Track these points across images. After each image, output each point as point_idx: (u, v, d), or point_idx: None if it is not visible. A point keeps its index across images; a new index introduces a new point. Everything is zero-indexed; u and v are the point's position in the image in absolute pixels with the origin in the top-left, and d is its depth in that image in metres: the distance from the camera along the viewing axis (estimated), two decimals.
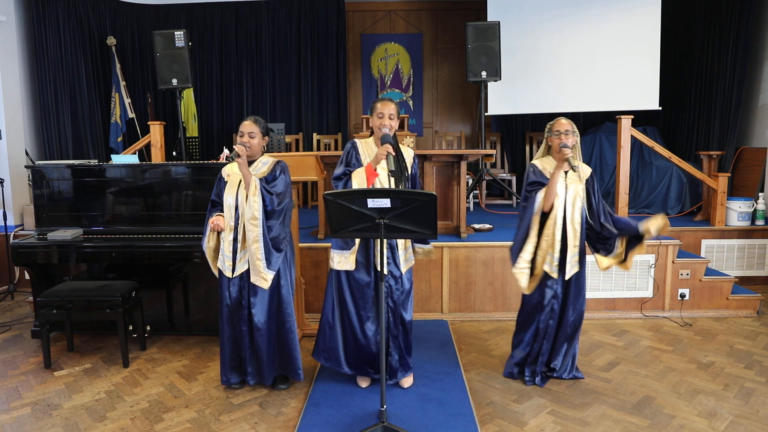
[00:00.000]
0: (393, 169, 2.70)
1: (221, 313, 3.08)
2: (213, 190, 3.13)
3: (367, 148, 3.04)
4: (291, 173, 3.12)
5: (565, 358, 3.21)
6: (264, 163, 3.07)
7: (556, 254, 3.02)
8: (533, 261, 3.05)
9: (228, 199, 3.00)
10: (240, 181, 2.99)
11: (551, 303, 3.09)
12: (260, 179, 2.98)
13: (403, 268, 3.03)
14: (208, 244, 3.07)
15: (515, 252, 3.06)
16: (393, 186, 2.78)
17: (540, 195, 3.00)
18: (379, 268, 2.85)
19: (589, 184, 3.06)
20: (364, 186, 2.88)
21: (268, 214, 2.96)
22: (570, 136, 2.99)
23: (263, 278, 2.97)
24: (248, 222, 2.93)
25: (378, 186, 2.90)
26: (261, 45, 6.98)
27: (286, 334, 3.08)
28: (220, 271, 3.06)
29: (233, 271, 3.01)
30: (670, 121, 6.64)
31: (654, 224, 2.92)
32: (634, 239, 3.03)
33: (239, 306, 3.03)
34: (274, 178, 3.02)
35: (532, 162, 3.14)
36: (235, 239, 3.00)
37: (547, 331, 3.12)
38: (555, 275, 3.04)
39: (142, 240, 3.74)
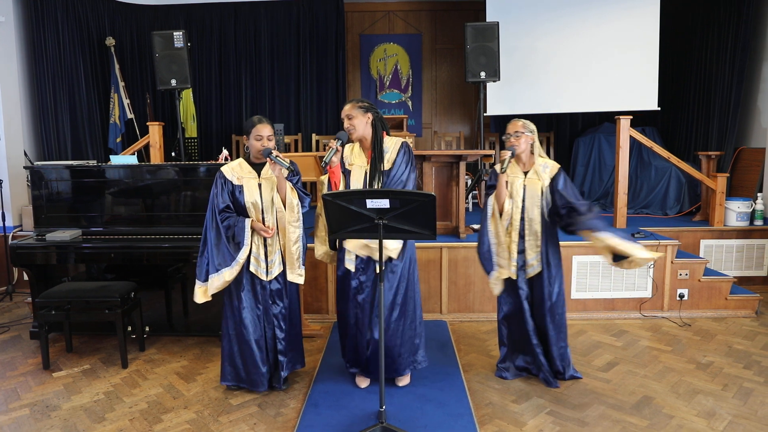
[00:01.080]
0: (326, 161, 2.81)
1: (241, 317, 2.98)
2: (220, 195, 2.95)
3: (351, 150, 3.08)
4: None
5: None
6: None
7: (514, 255, 3.05)
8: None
9: (254, 199, 2.96)
10: (259, 184, 2.97)
11: (524, 304, 3.11)
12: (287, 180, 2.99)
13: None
14: (244, 254, 2.93)
15: (487, 259, 3.09)
16: (368, 180, 2.93)
17: (491, 199, 3.08)
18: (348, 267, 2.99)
19: (554, 182, 3.01)
20: (326, 180, 3.01)
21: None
22: (521, 137, 2.99)
23: (299, 275, 3.03)
24: (289, 224, 2.95)
25: (353, 180, 2.97)
26: (260, 45, 6.98)
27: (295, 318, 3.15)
28: (240, 277, 2.97)
29: (268, 274, 3.00)
30: (668, 122, 6.64)
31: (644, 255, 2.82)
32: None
33: (266, 305, 3.02)
34: (298, 180, 3.05)
35: (494, 166, 3.14)
36: (265, 242, 2.98)
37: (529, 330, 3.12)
38: (514, 276, 3.07)
39: (141, 241, 3.74)
